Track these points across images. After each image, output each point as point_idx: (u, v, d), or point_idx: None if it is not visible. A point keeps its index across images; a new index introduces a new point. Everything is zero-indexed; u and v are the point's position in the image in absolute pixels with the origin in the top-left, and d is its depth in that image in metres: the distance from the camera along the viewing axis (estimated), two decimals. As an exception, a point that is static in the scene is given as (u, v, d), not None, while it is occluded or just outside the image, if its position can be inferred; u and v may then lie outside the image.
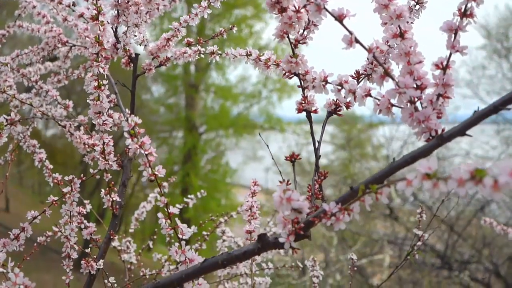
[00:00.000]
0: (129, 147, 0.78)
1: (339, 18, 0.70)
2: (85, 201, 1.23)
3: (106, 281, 1.19)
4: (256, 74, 11.81)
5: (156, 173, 0.80)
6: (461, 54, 0.69)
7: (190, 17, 1.22)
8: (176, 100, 12.07)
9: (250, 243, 0.78)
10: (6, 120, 0.90)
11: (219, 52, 1.23)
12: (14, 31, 1.56)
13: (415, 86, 0.70)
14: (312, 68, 0.86)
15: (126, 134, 0.77)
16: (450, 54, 0.69)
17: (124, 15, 1.18)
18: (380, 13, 0.73)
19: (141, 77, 1.29)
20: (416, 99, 0.70)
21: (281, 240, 0.68)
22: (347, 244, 8.08)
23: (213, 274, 1.51)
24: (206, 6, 1.21)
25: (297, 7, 0.77)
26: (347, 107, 0.87)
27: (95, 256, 1.14)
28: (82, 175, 1.13)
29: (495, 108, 0.61)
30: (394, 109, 0.75)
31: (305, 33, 0.86)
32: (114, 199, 1.14)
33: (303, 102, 0.88)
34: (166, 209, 0.82)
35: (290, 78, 0.88)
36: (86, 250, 1.15)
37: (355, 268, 1.50)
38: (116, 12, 1.18)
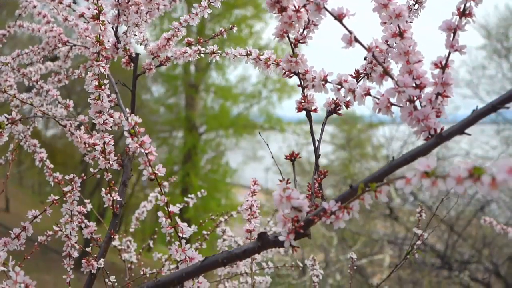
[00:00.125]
0: (129, 146, 0.78)
1: (339, 18, 0.70)
2: (86, 201, 1.23)
3: (106, 280, 1.19)
4: (256, 74, 11.83)
5: (156, 172, 0.80)
6: (460, 53, 0.70)
7: (190, 16, 1.23)
8: (176, 100, 12.08)
9: (250, 242, 0.78)
10: (7, 119, 0.90)
11: (219, 51, 1.24)
12: (14, 31, 1.57)
13: (414, 85, 0.71)
14: (312, 68, 0.87)
15: (126, 133, 0.78)
16: (449, 53, 0.70)
17: (125, 15, 1.18)
18: (380, 13, 0.73)
19: (141, 77, 1.29)
20: (415, 98, 0.71)
21: (281, 238, 0.68)
22: (347, 244, 8.08)
23: (214, 273, 1.51)
24: (206, 6, 1.21)
25: (297, 7, 0.77)
26: (347, 106, 0.87)
27: (95, 255, 1.14)
28: (82, 174, 1.13)
29: (493, 107, 0.61)
30: (393, 108, 0.75)
31: (305, 32, 0.86)
32: (114, 198, 1.14)
33: (303, 101, 0.89)
34: (166, 208, 0.83)
35: (290, 77, 0.89)
36: (87, 249, 1.15)
37: (355, 268, 1.50)
38: (116, 11, 1.19)
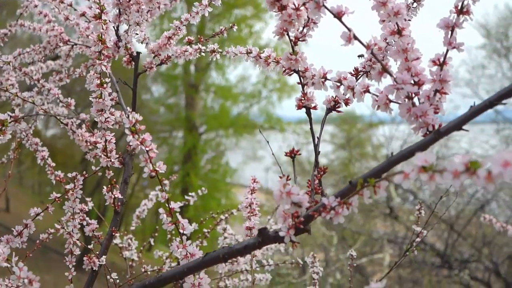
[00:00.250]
0: (130, 143, 0.79)
1: (338, 15, 0.71)
2: (87, 199, 1.24)
3: (108, 276, 1.20)
4: (256, 74, 11.83)
5: (157, 169, 0.81)
6: (458, 50, 0.71)
7: (191, 15, 1.24)
8: (176, 100, 12.08)
9: (251, 237, 0.79)
10: (11, 117, 0.91)
11: (220, 50, 1.24)
12: (14, 32, 1.57)
13: (412, 82, 0.72)
14: (312, 65, 0.88)
15: (127, 131, 0.78)
16: (447, 50, 0.71)
17: (126, 14, 1.19)
18: (378, 11, 0.74)
19: (141, 77, 1.30)
20: (413, 95, 0.72)
21: (281, 234, 0.69)
22: (347, 243, 8.09)
23: (214, 271, 1.52)
24: (207, 4, 1.22)
25: (296, 5, 0.78)
26: (346, 104, 0.88)
27: (97, 253, 1.15)
28: (84, 172, 1.14)
29: (490, 103, 0.62)
30: (392, 105, 0.76)
31: (305, 30, 0.87)
32: (116, 196, 1.15)
33: (303, 98, 0.89)
34: (167, 205, 0.83)
35: (290, 75, 0.89)
36: (89, 246, 1.16)
37: (355, 265, 1.51)
38: (117, 10, 1.19)
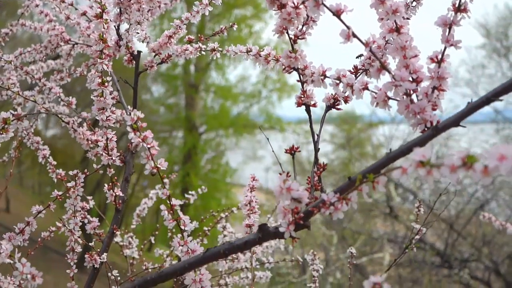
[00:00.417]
0: (132, 140, 0.79)
1: (337, 13, 0.72)
2: (88, 197, 1.25)
3: (109, 274, 1.21)
4: (256, 74, 11.85)
5: (159, 166, 0.81)
6: (456, 48, 0.71)
7: (191, 14, 1.24)
8: (176, 100, 12.09)
9: (251, 233, 0.80)
10: (13, 115, 0.92)
11: (220, 49, 1.25)
12: (15, 31, 1.58)
13: (411, 79, 0.73)
14: (311, 63, 0.88)
15: (128, 128, 0.79)
16: (445, 48, 0.72)
17: (127, 13, 1.20)
18: (377, 9, 0.75)
19: (140, 77, 1.31)
20: (411, 92, 0.73)
21: (281, 229, 0.70)
22: (347, 243, 8.09)
23: (214, 268, 1.52)
24: (207, 3, 1.23)
25: (296, 3, 0.79)
26: (345, 101, 0.89)
27: (98, 250, 1.15)
28: (86, 170, 1.15)
29: (487, 100, 0.63)
30: (390, 102, 0.77)
31: (304, 28, 0.88)
32: (117, 194, 1.16)
33: (302, 96, 0.90)
34: (168, 201, 0.84)
35: (290, 73, 0.90)
36: (90, 244, 1.17)
37: (354, 263, 1.52)
38: (118, 10, 1.20)
